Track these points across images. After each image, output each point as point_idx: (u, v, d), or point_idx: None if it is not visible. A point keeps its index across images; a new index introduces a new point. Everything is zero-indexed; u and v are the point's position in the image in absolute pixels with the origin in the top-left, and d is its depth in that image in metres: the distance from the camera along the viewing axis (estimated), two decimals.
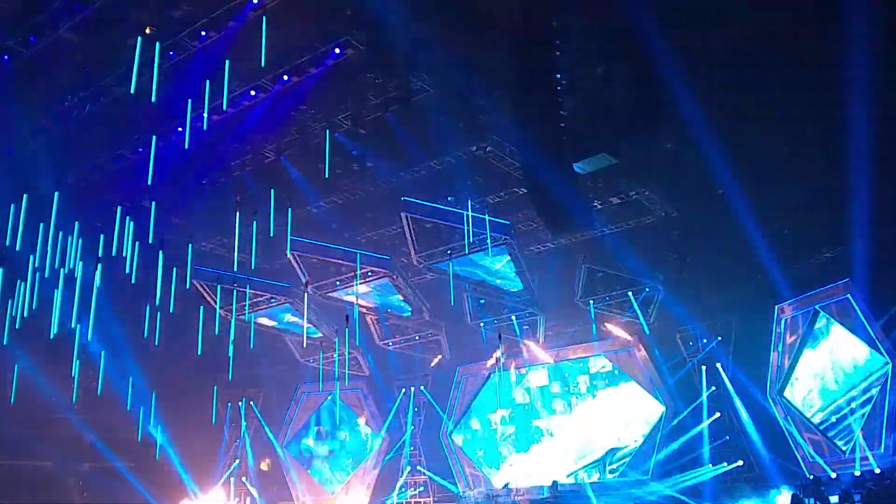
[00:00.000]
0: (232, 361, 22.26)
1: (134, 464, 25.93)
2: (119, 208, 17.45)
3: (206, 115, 14.40)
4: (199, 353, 21.60)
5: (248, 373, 26.77)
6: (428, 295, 24.24)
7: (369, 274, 22.37)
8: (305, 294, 22.61)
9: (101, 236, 17.77)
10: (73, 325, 18.66)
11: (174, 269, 19.43)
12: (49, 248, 17.43)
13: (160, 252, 18.35)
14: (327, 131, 16.55)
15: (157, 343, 20.77)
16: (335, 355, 25.63)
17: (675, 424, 23.39)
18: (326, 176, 16.62)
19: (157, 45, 13.53)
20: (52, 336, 19.10)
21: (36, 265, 17.62)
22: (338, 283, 22.73)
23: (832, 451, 19.62)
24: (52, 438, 25.12)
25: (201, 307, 22.02)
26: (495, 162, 17.89)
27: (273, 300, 24.11)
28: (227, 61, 13.61)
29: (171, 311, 20.05)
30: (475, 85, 15.47)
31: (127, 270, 17.66)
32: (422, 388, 28.42)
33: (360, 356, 27.67)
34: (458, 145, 17.53)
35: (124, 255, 17.52)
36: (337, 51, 14.38)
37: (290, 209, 18.24)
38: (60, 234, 17.50)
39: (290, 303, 24.16)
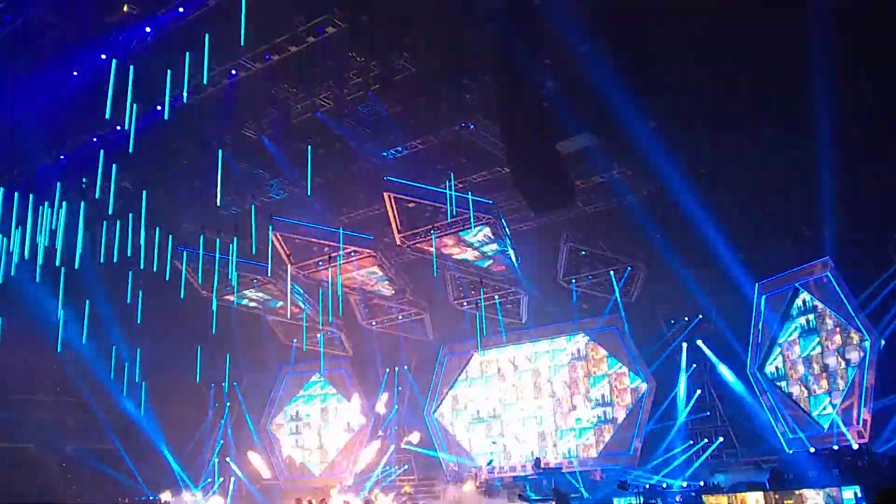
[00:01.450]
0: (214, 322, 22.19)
1: (119, 444, 25.85)
2: (100, 179, 17.13)
3: (185, 92, 14.23)
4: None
5: (232, 356, 26.79)
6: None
7: (353, 254, 22.26)
8: (287, 274, 22.47)
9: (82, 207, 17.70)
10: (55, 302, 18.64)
11: (155, 248, 19.25)
12: (29, 219, 17.47)
13: (141, 229, 18.15)
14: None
15: (139, 316, 20.57)
16: (319, 336, 25.58)
17: (656, 402, 23.61)
18: (308, 160, 16.49)
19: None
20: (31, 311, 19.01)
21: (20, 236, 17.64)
22: (320, 263, 22.59)
23: (811, 427, 19.88)
24: (33, 419, 24.95)
25: (181, 286, 21.73)
26: (478, 141, 17.85)
27: (256, 280, 23.93)
28: (206, 36, 13.44)
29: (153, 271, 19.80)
30: (458, 64, 15.40)
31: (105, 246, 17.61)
32: (405, 367, 28.39)
33: (343, 336, 27.66)
34: (441, 125, 17.47)
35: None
36: (318, 29, 14.26)
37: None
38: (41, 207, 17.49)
39: (272, 282, 23.99)
